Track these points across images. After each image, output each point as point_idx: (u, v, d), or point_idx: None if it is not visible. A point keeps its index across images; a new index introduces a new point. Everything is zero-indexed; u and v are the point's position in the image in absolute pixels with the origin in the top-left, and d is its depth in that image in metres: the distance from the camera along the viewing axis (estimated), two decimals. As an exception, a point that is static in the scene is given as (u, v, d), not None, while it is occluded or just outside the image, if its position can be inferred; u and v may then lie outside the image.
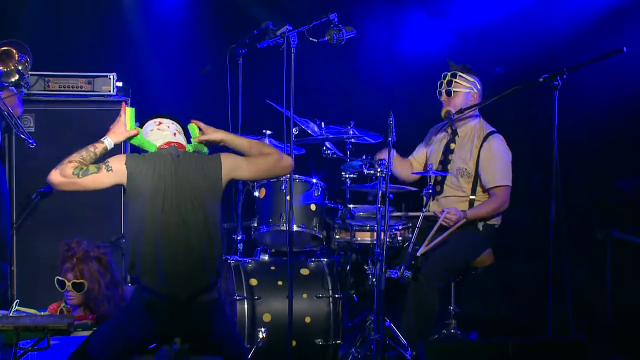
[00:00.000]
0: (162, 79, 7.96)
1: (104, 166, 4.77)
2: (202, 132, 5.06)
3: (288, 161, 5.03)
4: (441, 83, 6.54)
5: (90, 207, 6.89)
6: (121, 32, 7.95)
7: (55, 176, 4.73)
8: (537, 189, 7.35)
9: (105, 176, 4.76)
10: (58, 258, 5.47)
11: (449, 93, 6.50)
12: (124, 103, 5.05)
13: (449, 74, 6.51)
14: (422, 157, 6.76)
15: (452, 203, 6.43)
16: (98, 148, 4.88)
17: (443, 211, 6.27)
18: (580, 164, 7.18)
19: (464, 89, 6.49)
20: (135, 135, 4.97)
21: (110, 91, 7.06)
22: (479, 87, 6.50)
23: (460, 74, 6.50)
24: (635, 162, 7.26)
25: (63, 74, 7.06)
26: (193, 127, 5.08)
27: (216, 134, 5.05)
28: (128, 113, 4.98)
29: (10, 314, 5.17)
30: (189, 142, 5.04)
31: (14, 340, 4.89)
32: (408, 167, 6.73)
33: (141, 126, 5.05)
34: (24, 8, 7.70)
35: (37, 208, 6.90)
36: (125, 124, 4.96)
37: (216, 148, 5.11)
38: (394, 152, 6.42)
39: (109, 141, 4.92)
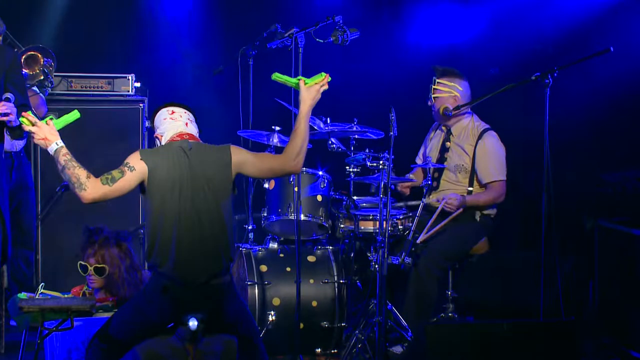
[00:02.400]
0: (177, 79, 7.93)
1: (126, 168, 4.70)
2: (321, 81, 4.86)
3: (295, 167, 4.84)
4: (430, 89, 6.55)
5: (110, 201, 6.84)
6: (139, 35, 7.93)
7: (89, 195, 4.65)
8: (530, 183, 7.33)
9: (132, 176, 4.70)
10: (81, 244, 5.45)
11: (431, 99, 6.50)
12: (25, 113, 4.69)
13: (433, 80, 6.51)
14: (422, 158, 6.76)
15: (451, 195, 6.41)
16: (63, 155, 4.70)
17: (444, 198, 6.25)
18: (570, 158, 7.14)
19: (443, 93, 6.46)
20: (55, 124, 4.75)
21: (128, 91, 7.06)
22: (460, 89, 6.44)
23: (439, 80, 6.48)
24: (621, 156, 7.22)
25: (85, 75, 7.05)
26: (322, 75, 4.86)
27: (306, 107, 4.83)
28: (29, 119, 4.69)
29: (36, 297, 5.18)
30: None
31: (39, 321, 4.92)
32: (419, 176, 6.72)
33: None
34: (50, 14, 7.70)
35: (60, 200, 6.88)
36: (48, 126, 4.71)
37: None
38: (407, 183, 6.52)
39: (56, 143, 4.72)
